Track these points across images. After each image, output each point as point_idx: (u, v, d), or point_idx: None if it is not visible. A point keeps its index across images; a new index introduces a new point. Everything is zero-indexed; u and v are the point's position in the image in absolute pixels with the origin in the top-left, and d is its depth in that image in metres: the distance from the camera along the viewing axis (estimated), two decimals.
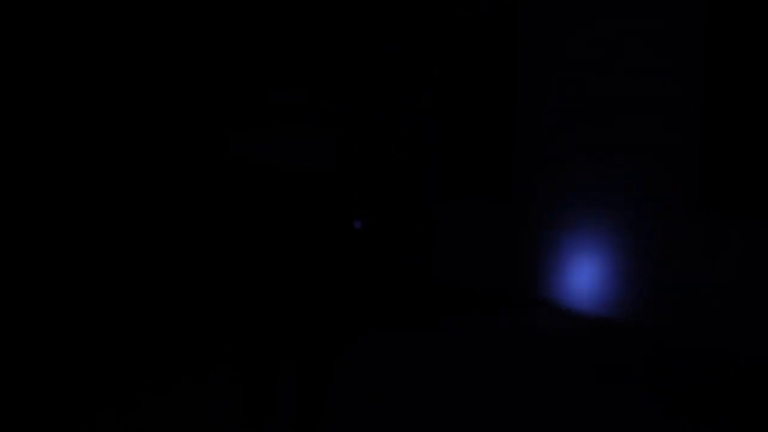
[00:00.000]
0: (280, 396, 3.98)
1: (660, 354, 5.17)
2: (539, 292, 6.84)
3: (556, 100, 6.68)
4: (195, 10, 6.61)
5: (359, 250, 8.00)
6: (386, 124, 8.23)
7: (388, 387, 4.24)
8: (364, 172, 8.04)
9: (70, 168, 7.24)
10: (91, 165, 7.31)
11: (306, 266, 2.89)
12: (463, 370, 4.63)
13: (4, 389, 4.03)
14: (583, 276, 6.40)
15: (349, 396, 4.05)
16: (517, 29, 7.10)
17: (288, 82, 2.77)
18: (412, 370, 4.59)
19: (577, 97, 6.48)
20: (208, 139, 7.48)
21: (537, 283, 6.87)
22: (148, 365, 4.55)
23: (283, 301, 2.91)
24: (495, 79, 7.37)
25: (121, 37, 6.90)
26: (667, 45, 5.76)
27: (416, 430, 3.56)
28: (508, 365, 4.78)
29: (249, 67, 2.81)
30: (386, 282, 7.69)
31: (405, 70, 8.28)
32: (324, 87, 2.78)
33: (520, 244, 7.05)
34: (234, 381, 4.27)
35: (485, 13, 7.39)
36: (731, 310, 5.31)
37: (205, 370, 4.47)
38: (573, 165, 6.53)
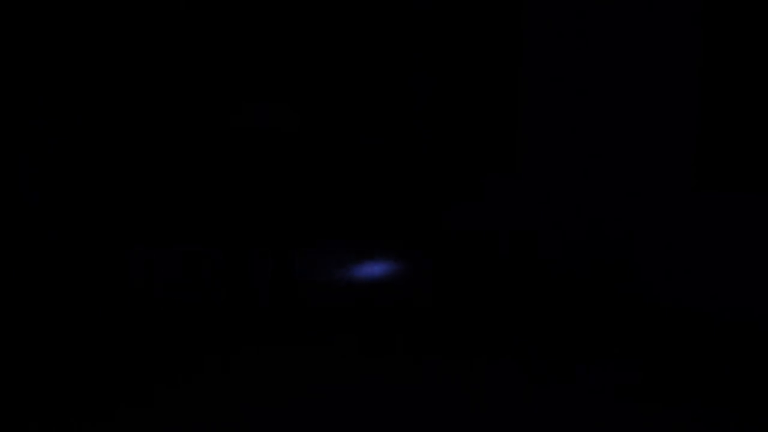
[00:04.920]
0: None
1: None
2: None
3: (550, 79, 6.80)
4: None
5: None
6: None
7: None
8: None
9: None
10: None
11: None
12: None
13: (4, 389, 4.21)
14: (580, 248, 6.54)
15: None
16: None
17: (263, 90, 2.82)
18: None
19: (572, 81, 6.60)
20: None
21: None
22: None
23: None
24: (494, 66, 7.48)
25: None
26: (667, 33, 5.89)
27: None
28: None
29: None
30: None
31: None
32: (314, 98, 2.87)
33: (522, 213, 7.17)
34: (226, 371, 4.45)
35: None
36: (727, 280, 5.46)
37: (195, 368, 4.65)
38: (565, 144, 6.65)
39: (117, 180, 7.15)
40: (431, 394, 3.97)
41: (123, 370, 4.35)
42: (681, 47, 5.80)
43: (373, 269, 7.01)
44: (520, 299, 6.51)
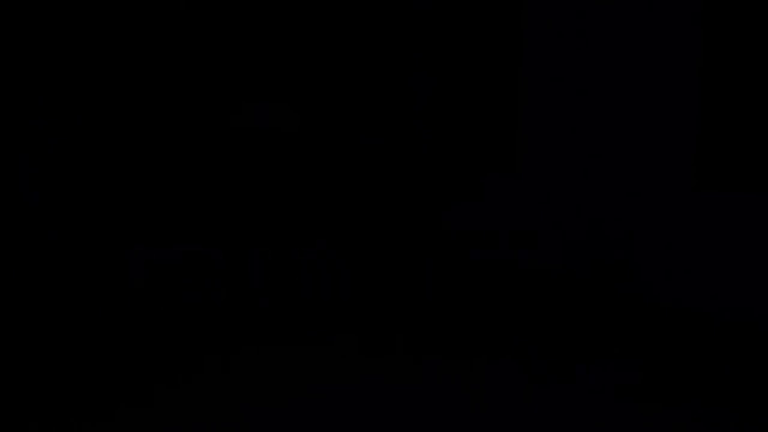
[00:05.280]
0: None
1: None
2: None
3: (550, 79, 6.82)
4: None
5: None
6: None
7: None
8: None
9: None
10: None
11: None
12: None
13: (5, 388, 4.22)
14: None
15: None
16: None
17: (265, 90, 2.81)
18: None
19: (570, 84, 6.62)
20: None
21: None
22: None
23: None
24: (494, 80, 7.49)
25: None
26: (666, 30, 5.91)
27: None
28: None
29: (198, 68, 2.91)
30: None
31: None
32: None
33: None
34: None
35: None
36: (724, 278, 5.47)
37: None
38: (565, 143, 6.67)
39: (117, 180, 7.16)
40: (431, 394, 3.98)
41: (123, 370, 4.35)
42: (681, 47, 5.81)
43: None
44: (520, 299, 6.52)
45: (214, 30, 7.56)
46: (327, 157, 7.96)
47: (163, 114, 7.36)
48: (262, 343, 4.91)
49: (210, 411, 3.69)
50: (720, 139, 5.60)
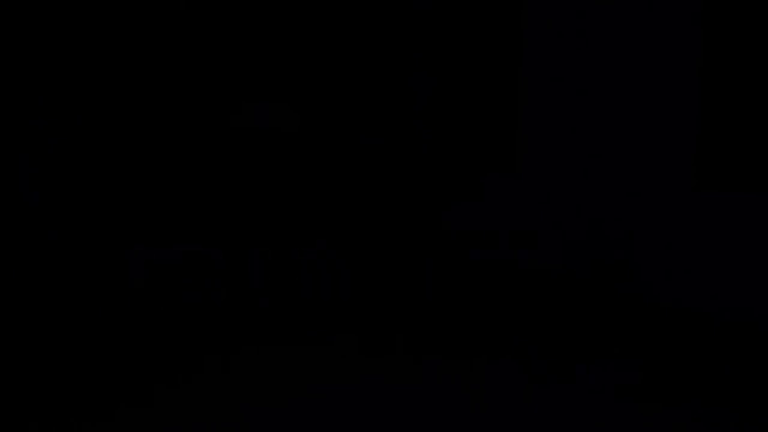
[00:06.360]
0: None
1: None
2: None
3: (550, 79, 6.82)
4: None
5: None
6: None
7: None
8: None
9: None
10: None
11: None
12: None
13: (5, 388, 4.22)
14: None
15: None
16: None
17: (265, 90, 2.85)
18: None
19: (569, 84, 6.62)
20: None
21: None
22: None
23: None
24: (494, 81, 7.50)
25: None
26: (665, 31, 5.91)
27: None
28: None
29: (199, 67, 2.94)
30: None
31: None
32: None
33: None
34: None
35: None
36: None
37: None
38: (564, 143, 6.67)
39: (117, 180, 7.16)
40: (431, 394, 3.98)
41: (123, 370, 4.35)
42: (681, 47, 5.81)
43: None
44: (520, 299, 6.52)
45: (214, 30, 7.57)
46: (327, 158, 7.95)
47: (163, 114, 7.36)
48: (262, 343, 4.91)
49: (210, 411, 3.69)
50: (720, 139, 5.60)
